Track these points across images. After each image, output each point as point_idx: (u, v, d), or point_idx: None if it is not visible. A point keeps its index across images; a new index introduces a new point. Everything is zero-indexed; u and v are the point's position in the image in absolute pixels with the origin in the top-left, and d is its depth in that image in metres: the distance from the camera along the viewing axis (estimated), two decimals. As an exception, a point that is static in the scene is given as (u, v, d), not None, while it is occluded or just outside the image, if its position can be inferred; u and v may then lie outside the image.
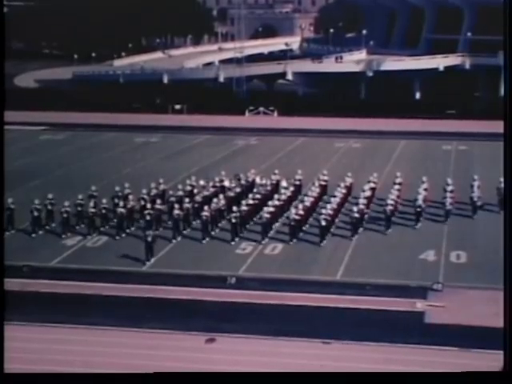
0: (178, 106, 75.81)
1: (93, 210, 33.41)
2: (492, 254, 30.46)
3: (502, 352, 20.70)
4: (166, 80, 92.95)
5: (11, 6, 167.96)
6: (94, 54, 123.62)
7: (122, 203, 34.04)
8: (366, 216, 34.75)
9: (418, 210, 34.65)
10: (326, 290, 26.83)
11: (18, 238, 33.12)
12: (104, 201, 34.29)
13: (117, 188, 36.38)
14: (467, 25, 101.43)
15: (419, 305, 25.46)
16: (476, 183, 37.55)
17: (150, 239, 29.82)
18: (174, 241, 32.38)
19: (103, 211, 33.89)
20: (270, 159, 51.35)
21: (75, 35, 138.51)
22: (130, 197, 35.04)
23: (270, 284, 27.45)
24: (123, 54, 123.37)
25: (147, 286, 27.19)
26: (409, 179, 41.34)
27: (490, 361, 21.13)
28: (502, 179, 36.14)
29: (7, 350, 21.77)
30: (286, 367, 21.05)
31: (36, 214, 33.48)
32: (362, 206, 33.81)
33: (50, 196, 34.87)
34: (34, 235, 33.24)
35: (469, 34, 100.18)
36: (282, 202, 35.16)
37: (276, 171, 40.19)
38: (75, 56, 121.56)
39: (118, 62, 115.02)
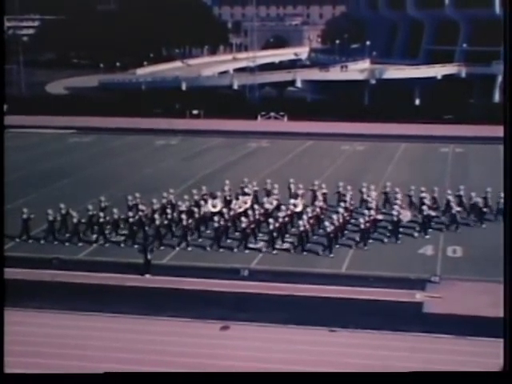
0: (195, 111, 75.73)
1: (102, 221, 31.30)
2: (486, 249, 30.35)
3: (493, 339, 20.65)
4: (184, 87, 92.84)
5: (43, 20, 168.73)
6: (118, 64, 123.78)
7: (131, 213, 31.83)
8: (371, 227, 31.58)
9: (426, 220, 32.22)
10: (332, 281, 26.72)
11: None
12: (115, 210, 32.22)
13: (129, 197, 34.30)
14: (463, 37, 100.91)
15: (418, 296, 25.35)
16: (462, 193, 35.08)
17: (149, 257, 27.74)
18: (177, 248, 30.53)
19: (108, 220, 31.57)
20: (281, 160, 51.31)
21: (101, 46, 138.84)
22: (141, 207, 32.72)
23: (280, 276, 27.36)
24: (145, 63, 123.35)
25: (166, 278, 27.17)
26: (409, 180, 41.19)
27: (482, 347, 21.05)
28: (488, 189, 34.87)
29: (34, 335, 21.92)
30: (295, 353, 21.05)
31: (51, 218, 31.30)
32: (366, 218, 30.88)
33: (62, 206, 32.32)
34: (42, 242, 31.19)
35: (465, 45, 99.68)
36: (289, 212, 32.46)
37: (291, 180, 37.11)
38: (101, 65, 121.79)
39: (140, 71, 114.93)
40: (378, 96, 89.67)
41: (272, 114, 74.84)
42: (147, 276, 27.44)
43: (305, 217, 31.31)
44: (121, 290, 26.25)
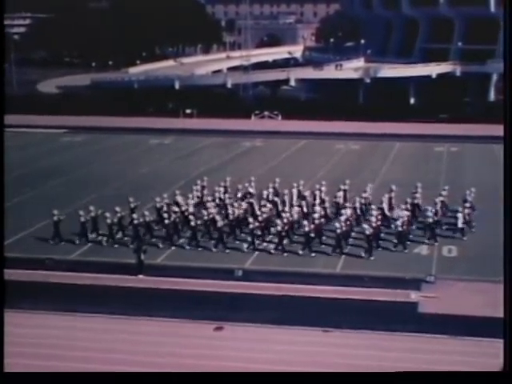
0: (188, 111, 75.69)
1: (136, 222, 30.94)
2: (481, 249, 30.40)
3: (492, 339, 20.70)
4: (177, 86, 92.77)
5: (35, 18, 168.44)
6: (110, 62, 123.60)
7: (166, 215, 31.55)
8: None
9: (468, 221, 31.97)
10: (327, 281, 26.72)
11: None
12: (146, 213, 31.64)
13: (157, 199, 33.68)
14: (458, 35, 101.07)
15: (413, 296, 25.37)
16: (419, 190, 35.04)
17: (142, 257, 27.66)
18: (214, 249, 30.38)
19: (142, 221, 31.15)
20: (275, 159, 51.31)
21: (93, 45, 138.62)
22: (175, 208, 32.33)
23: (274, 276, 27.35)
24: (138, 62, 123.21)
25: (160, 278, 27.13)
26: (404, 179, 41.22)
27: (480, 347, 21.09)
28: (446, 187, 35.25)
29: (33, 336, 21.88)
30: (289, 353, 21.05)
31: (83, 219, 30.89)
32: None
33: (91, 208, 31.55)
34: (77, 242, 30.93)
35: (459, 43, 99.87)
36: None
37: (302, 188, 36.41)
38: (93, 64, 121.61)
39: (133, 70, 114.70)
40: (373, 95, 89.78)
41: (266, 113, 74.90)
42: (140, 276, 27.41)
43: (342, 218, 30.90)
44: (114, 290, 26.18)
